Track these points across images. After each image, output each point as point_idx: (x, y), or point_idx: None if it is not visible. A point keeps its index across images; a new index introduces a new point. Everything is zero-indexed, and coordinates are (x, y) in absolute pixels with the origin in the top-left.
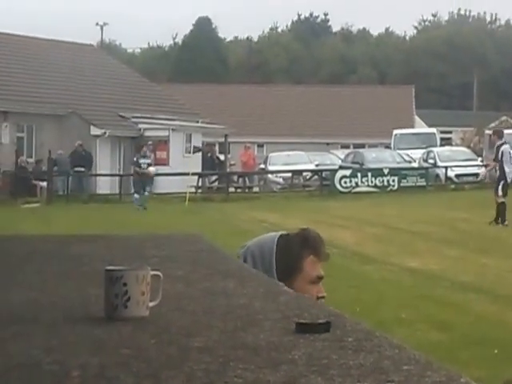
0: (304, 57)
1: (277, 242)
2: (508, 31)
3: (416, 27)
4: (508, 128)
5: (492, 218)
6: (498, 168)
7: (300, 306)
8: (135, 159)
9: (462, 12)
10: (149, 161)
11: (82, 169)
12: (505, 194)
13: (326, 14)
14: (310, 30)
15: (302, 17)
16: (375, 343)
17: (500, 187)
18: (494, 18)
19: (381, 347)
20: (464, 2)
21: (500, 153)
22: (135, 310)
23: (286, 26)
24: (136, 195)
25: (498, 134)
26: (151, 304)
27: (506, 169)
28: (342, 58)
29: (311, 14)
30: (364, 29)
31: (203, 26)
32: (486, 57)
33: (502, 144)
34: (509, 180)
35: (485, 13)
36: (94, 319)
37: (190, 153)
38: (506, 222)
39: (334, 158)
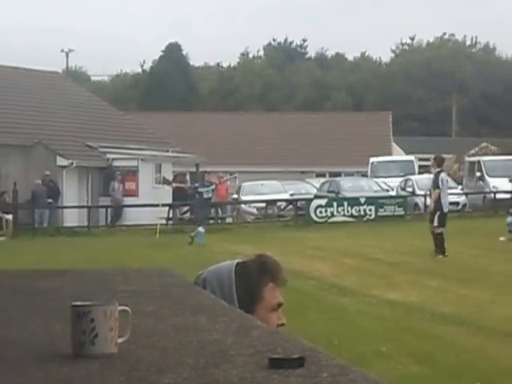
0: (278, 83)
1: (235, 270)
2: (487, 55)
3: (394, 51)
4: (488, 154)
5: (470, 247)
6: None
7: (273, 341)
8: (195, 185)
9: (441, 35)
10: (211, 188)
11: (50, 200)
12: (442, 225)
13: (304, 40)
14: (284, 55)
15: (275, 42)
16: (350, 378)
17: (436, 218)
18: (473, 41)
19: (356, 382)
20: (443, 25)
21: (440, 180)
22: (103, 346)
23: (258, 52)
24: (201, 229)
25: (438, 160)
26: (120, 340)
27: (443, 198)
28: (317, 84)
29: (286, 40)
30: (339, 53)
31: (172, 53)
32: (466, 81)
33: (441, 171)
34: (445, 210)
35: (465, 36)
36: (62, 356)
37: (159, 183)
38: (447, 253)
39: (309, 186)
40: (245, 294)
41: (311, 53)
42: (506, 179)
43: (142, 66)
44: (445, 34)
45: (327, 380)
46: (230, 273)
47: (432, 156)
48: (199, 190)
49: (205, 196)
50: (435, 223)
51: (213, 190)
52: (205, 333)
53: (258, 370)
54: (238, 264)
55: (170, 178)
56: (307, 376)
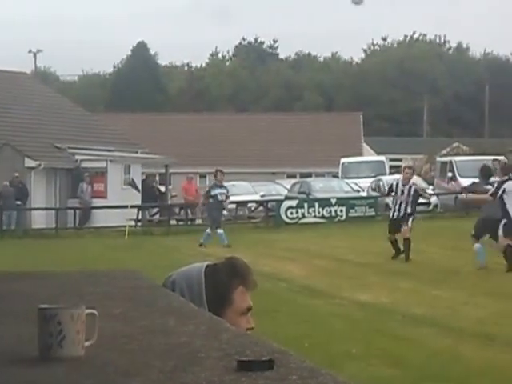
0: (248, 84)
1: (204, 272)
2: (459, 55)
3: (365, 51)
4: (459, 155)
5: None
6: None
7: (242, 344)
8: (207, 189)
9: (411, 34)
10: (225, 191)
11: (18, 202)
12: (389, 231)
13: (275, 41)
14: (254, 55)
15: (245, 42)
16: (320, 381)
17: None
18: (444, 40)
19: None
20: (414, 25)
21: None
22: (70, 349)
23: (228, 52)
24: (220, 230)
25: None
26: (87, 343)
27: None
28: (288, 85)
29: (256, 40)
30: (310, 54)
31: (140, 52)
32: (437, 81)
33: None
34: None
35: (438, 36)
36: (29, 359)
37: (128, 185)
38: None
39: (280, 188)
40: (214, 296)
41: (282, 53)
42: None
43: (113, 67)
44: (415, 33)
45: (296, 383)
46: (200, 275)
47: (403, 156)
48: (212, 192)
49: (219, 198)
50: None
51: (227, 193)
52: (173, 335)
53: (227, 372)
54: (207, 266)
55: (139, 179)
56: (276, 379)
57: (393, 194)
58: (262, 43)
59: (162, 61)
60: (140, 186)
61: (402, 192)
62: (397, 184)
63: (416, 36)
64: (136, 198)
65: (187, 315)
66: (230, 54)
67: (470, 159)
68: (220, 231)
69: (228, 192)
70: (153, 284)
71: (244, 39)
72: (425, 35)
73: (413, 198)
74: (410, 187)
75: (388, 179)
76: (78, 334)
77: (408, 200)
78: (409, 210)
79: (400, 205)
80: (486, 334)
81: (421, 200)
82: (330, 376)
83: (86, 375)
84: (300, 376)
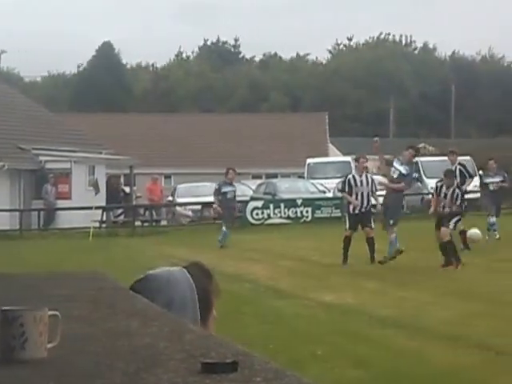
0: (213, 84)
1: (191, 278)
2: (426, 55)
3: (330, 51)
4: (425, 155)
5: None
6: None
7: (207, 345)
8: (217, 187)
9: (379, 35)
10: (234, 189)
11: None
12: (349, 227)
13: (236, 40)
14: (219, 56)
15: (209, 42)
16: (285, 382)
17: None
18: (410, 41)
19: None
20: (381, 25)
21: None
22: (33, 351)
23: (193, 52)
24: (224, 228)
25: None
26: (49, 345)
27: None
28: (254, 85)
29: (218, 40)
30: (276, 54)
31: (106, 53)
32: (404, 82)
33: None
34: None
35: (404, 37)
36: None
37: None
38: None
39: (246, 188)
40: (203, 302)
41: (248, 54)
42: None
43: (78, 67)
44: (382, 34)
45: None
46: (189, 280)
47: (369, 157)
48: (222, 190)
49: (228, 196)
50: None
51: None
52: (137, 337)
53: (191, 374)
54: (187, 271)
55: (104, 180)
56: (240, 380)
57: (347, 190)
58: (224, 43)
59: (128, 61)
60: (104, 187)
61: (361, 183)
62: (353, 177)
63: (383, 37)
64: (100, 199)
65: (151, 317)
66: (195, 54)
67: (436, 160)
68: (225, 229)
69: (236, 190)
70: (117, 285)
71: (206, 40)
72: (391, 36)
73: (372, 186)
74: (367, 176)
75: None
76: (41, 335)
77: (368, 190)
78: (372, 201)
79: (362, 197)
80: (451, 334)
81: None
82: (295, 377)
83: (49, 377)
84: (264, 378)
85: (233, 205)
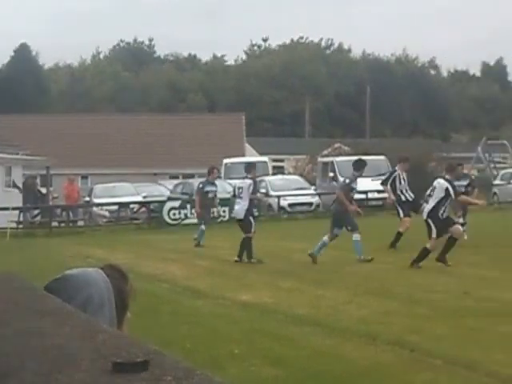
0: (130, 84)
1: (107, 278)
2: (341, 56)
3: (247, 53)
4: (341, 155)
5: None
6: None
7: (119, 345)
8: (200, 186)
9: (295, 37)
10: (216, 189)
11: None
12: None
13: (151, 40)
14: (135, 56)
15: (124, 43)
16: (195, 381)
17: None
18: (326, 42)
19: None
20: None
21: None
22: None
23: (109, 53)
24: (203, 226)
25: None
26: None
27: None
28: (171, 86)
29: (135, 40)
30: (192, 55)
31: (23, 54)
32: (320, 83)
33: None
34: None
35: (320, 38)
36: None
37: (9, 186)
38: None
39: (163, 189)
40: (119, 303)
41: (163, 54)
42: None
43: None
44: (298, 35)
45: (171, 383)
46: (107, 281)
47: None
48: (205, 189)
49: (209, 196)
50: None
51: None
52: (49, 337)
53: (102, 374)
54: (104, 272)
55: (20, 180)
56: (151, 379)
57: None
58: (141, 43)
59: (45, 62)
60: (21, 188)
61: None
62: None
63: (299, 38)
64: (17, 200)
65: (64, 317)
66: (110, 54)
67: (351, 159)
68: (203, 227)
69: (217, 190)
70: (30, 286)
71: (122, 41)
72: (308, 37)
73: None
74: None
75: (271, 179)
76: None
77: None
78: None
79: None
80: (368, 333)
81: (303, 200)
82: (206, 376)
83: None
84: (175, 377)
85: (213, 203)
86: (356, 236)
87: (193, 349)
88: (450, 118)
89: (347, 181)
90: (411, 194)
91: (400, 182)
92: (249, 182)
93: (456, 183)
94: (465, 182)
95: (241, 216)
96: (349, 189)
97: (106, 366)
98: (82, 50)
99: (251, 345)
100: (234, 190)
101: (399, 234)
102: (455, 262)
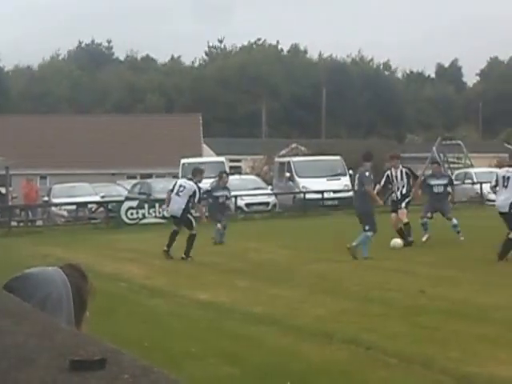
0: (88, 85)
1: (66, 277)
2: (298, 57)
3: (206, 54)
4: (298, 155)
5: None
6: None
7: (76, 343)
8: (209, 189)
9: (253, 39)
10: (227, 193)
11: None
12: None
13: (109, 41)
14: (93, 57)
15: (83, 44)
16: (152, 379)
17: None
18: (283, 44)
19: (158, 383)
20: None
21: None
22: None
23: (68, 54)
24: (218, 225)
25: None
26: None
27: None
28: (129, 87)
29: (93, 41)
30: (149, 56)
31: None
32: (277, 84)
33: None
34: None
35: (277, 40)
36: None
37: None
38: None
39: (121, 189)
40: (78, 302)
41: (121, 55)
42: (320, 179)
43: None
44: (255, 37)
45: (128, 381)
46: (65, 280)
47: (243, 157)
48: (214, 194)
49: (220, 201)
50: None
51: (229, 195)
52: (8, 336)
53: (60, 372)
54: (63, 271)
55: None
56: (108, 377)
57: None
58: (98, 45)
59: (5, 64)
60: None
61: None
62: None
63: (256, 40)
64: None
65: (22, 316)
66: (68, 55)
67: (307, 159)
68: (218, 226)
69: (230, 194)
70: None
71: (81, 42)
72: (264, 39)
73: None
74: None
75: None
76: None
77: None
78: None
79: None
80: (324, 331)
81: (259, 200)
82: (162, 374)
83: None
84: (132, 374)
85: (224, 208)
86: (368, 234)
87: (150, 347)
88: (405, 119)
89: (367, 173)
90: (403, 192)
91: (396, 179)
92: (193, 185)
93: (435, 182)
94: (444, 181)
95: (178, 214)
96: (372, 181)
97: (63, 364)
98: (44, 53)
99: (208, 343)
100: (174, 186)
101: (407, 225)
102: (411, 262)
